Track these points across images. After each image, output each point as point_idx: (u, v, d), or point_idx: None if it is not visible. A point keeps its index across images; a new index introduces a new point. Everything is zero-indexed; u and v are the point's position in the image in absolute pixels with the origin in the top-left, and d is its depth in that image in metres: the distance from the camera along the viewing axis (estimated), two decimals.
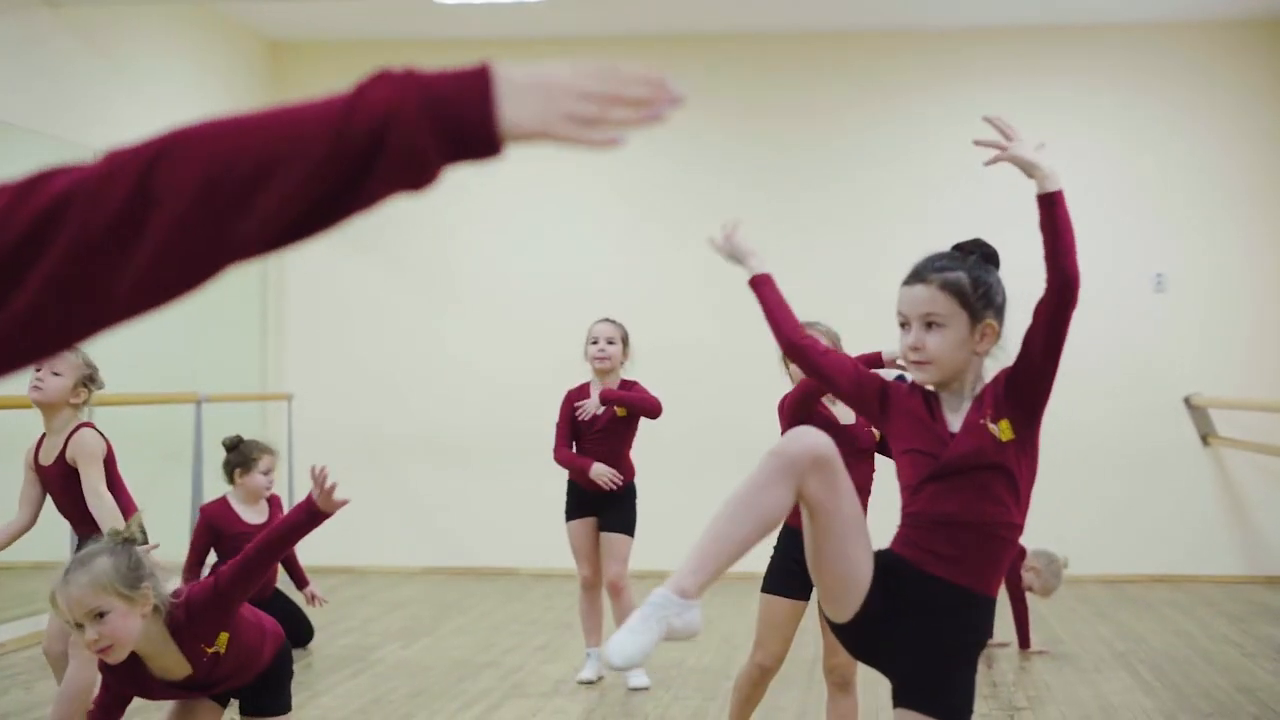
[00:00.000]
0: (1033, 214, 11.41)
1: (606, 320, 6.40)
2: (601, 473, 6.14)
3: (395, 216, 10.28)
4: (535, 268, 10.20)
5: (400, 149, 1.27)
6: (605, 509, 6.29)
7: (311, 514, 3.73)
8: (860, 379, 3.18)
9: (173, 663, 3.54)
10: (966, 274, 3.04)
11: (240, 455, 6.60)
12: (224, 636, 3.54)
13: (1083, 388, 9.79)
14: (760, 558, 4.75)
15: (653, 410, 6.21)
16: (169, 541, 8.72)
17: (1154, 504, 9.68)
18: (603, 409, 6.24)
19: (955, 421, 3.04)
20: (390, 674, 6.58)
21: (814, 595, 4.61)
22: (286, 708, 3.83)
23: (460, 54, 10.14)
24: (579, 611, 6.44)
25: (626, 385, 6.33)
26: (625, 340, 6.34)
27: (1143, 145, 9.87)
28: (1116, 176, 9.87)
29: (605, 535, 6.29)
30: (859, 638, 3.07)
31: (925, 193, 9.95)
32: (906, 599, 2.99)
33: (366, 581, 9.59)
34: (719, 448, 9.47)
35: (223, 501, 6.60)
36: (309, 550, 9.77)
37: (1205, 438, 9.68)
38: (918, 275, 3.08)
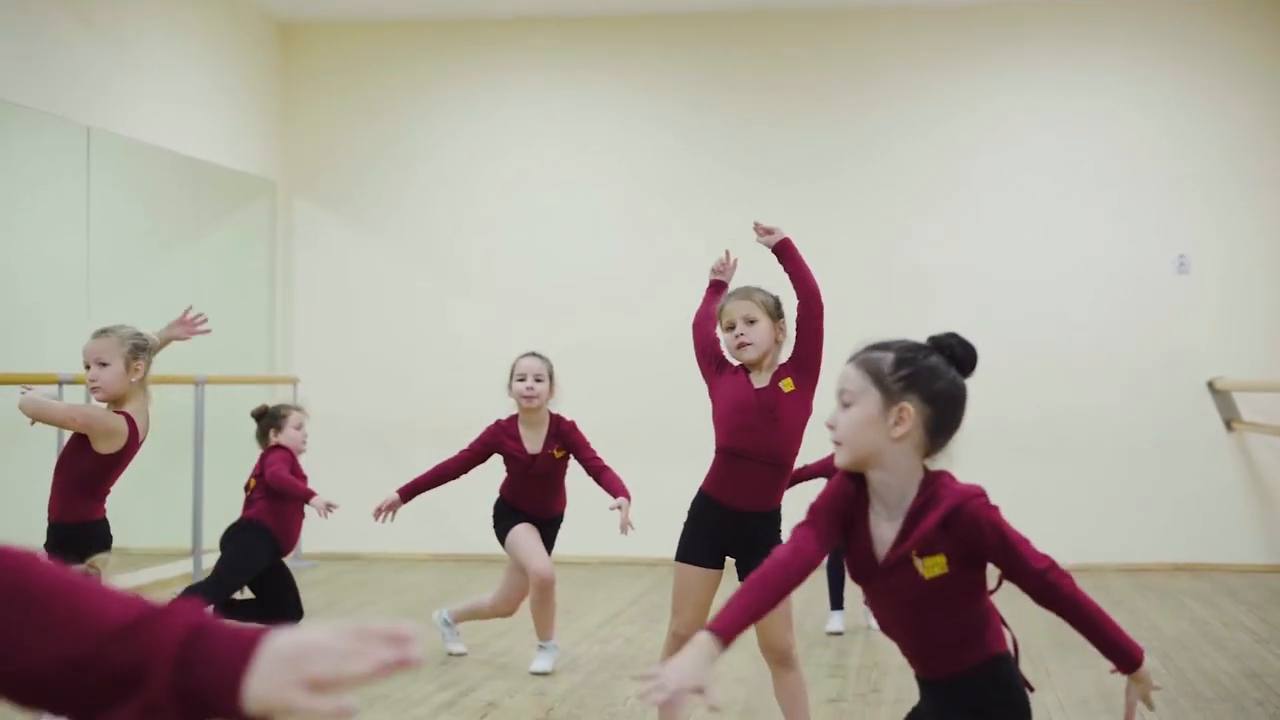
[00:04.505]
0: (1035, 200, 11.13)
1: (533, 355, 6.14)
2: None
3: (404, 201, 10.18)
4: (542, 253, 10.07)
5: (143, 699, 1.29)
6: (540, 529, 6.19)
7: None
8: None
9: None
10: (895, 354, 2.71)
11: (271, 418, 6.97)
12: None
13: (1103, 372, 9.57)
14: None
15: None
16: (170, 531, 8.72)
17: (1176, 491, 9.44)
18: (540, 450, 6.07)
19: (884, 539, 2.70)
20: None
21: (728, 564, 4.48)
22: None
23: (468, 34, 10.07)
24: (537, 608, 6.08)
25: (557, 421, 6.12)
26: (552, 376, 6.12)
27: (1163, 123, 9.62)
28: (1137, 155, 9.64)
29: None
30: None
31: (940, 175, 9.75)
32: (929, 705, 2.80)
33: (372, 568, 9.49)
34: None
35: (291, 450, 7.04)
36: (315, 538, 9.73)
37: (1229, 423, 9.43)
38: (851, 357, 2.80)
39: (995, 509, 2.66)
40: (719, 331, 4.48)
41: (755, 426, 4.34)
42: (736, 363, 4.46)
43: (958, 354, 2.72)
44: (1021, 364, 9.53)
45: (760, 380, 4.40)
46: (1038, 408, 9.55)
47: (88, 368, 4.85)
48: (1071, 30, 9.71)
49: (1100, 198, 9.65)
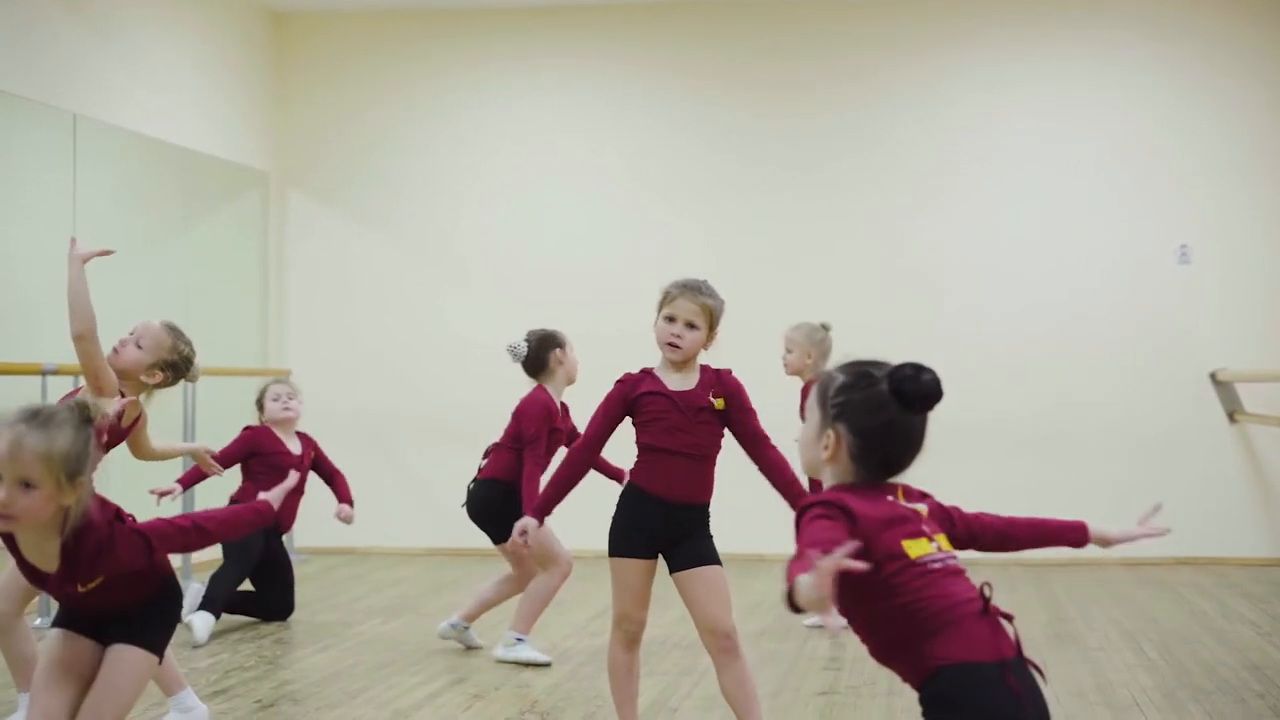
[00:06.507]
0: (1035, 190, 11.01)
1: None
2: None
3: (399, 192, 10.09)
4: (539, 245, 9.98)
5: None
6: None
7: (261, 517, 3.49)
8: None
9: (42, 555, 3.25)
10: (842, 378, 2.68)
11: (259, 397, 7.21)
12: (100, 580, 3.28)
13: (1104, 364, 9.46)
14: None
15: None
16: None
17: (1178, 484, 9.31)
18: (570, 425, 6.15)
19: None
20: (361, 648, 6.37)
21: (660, 558, 4.37)
22: (153, 646, 3.49)
23: (463, 25, 9.98)
24: (547, 598, 6.12)
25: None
26: None
27: (1164, 113, 9.52)
28: (1138, 145, 9.54)
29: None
30: None
31: (939, 166, 9.65)
32: None
33: (366, 562, 9.41)
34: None
35: (265, 427, 7.14)
36: (308, 533, 9.64)
37: (1232, 414, 9.32)
38: None
39: (806, 513, 2.54)
40: (659, 319, 4.37)
41: (681, 427, 4.29)
42: (652, 365, 4.39)
43: (904, 389, 2.60)
44: (1022, 356, 9.43)
45: (681, 383, 4.33)
46: (1038, 400, 9.44)
47: (131, 333, 4.80)
48: (1072, 21, 9.60)
49: (1101, 188, 9.54)
